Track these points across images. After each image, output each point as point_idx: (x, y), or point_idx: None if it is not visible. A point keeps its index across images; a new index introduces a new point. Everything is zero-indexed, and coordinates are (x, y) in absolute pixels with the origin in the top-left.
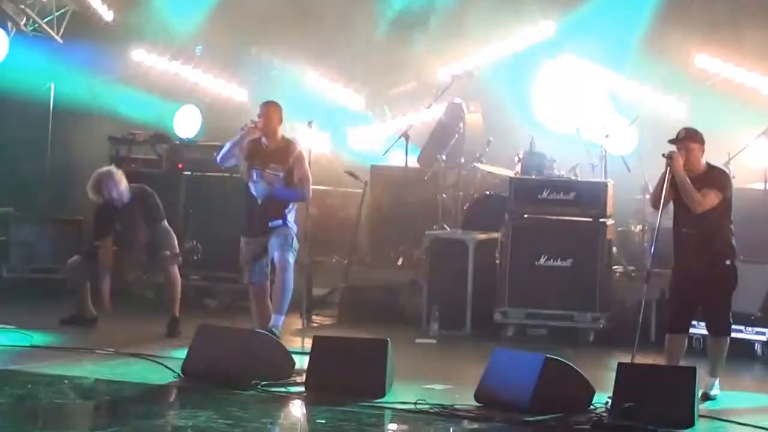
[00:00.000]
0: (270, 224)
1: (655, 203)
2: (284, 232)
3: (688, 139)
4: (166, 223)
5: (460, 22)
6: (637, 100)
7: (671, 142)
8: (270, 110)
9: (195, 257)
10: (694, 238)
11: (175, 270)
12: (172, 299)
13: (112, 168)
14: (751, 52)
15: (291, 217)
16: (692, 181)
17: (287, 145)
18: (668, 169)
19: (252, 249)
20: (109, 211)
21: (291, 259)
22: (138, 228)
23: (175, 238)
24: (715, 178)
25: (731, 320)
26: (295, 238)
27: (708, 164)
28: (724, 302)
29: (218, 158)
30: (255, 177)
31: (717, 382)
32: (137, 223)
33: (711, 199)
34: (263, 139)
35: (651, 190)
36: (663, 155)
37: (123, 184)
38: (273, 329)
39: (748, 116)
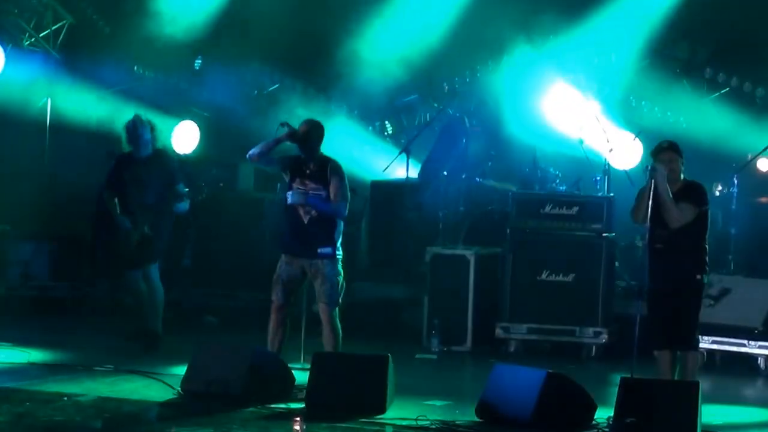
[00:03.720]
0: (320, 251)
1: (636, 217)
2: (333, 272)
3: (672, 149)
4: (181, 186)
5: (463, 35)
6: (641, 112)
7: (655, 152)
8: (309, 128)
9: (201, 197)
10: (668, 254)
11: (156, 277)
12: (154, 310)
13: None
14: (760, 63)
15: (340, 241)
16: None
17: (326, 162)
18: (652, 183)
19: (291, 270)
20: (124, 163)
21: (337, 313)
22: (149, 185)
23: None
24: (693, 192)
25: (698, 335)
26: (341, 278)
27: (685, 179)
28: (693, 317)
29: (249, 154)
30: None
31: None
32: (151, 180)
33: (688, 213)
34: (302, 157)
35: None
36: (646, 168)
37: (153, 135)
38: None
39: (755, 129)
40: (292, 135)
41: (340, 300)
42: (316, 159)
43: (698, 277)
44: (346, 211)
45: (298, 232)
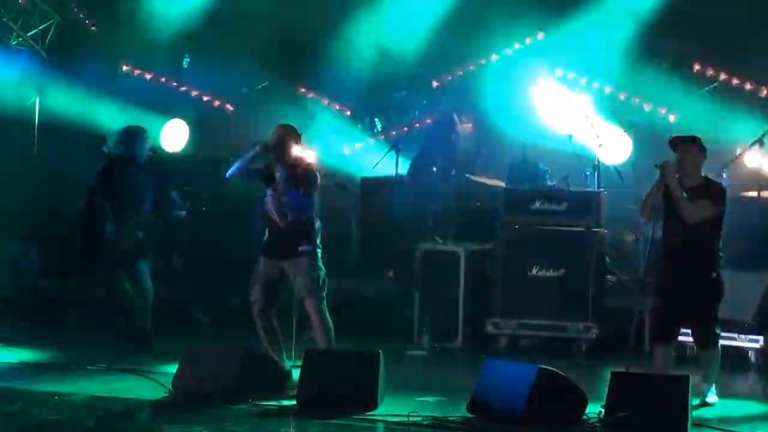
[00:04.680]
0: (300, 249)
1: (643, 213)
2: (312, 266)
3: (690, 140)
4: (174, 193)
5: (453, 31)
6: (630, 108)
7: (672, 141)
8: (282, 133)
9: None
10: (683, 250)
11: (147, 275)
12: (145, 309)
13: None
14: (748, 58)
15: (319, 239)
16: (689, 192)
17: (298, 167)
18: (662, 178)
19: (269, 271)
20: (117, 168)
21: (324, 306)
22: (145, 191)
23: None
24: (712, 190)
25: (718, 332)
26: (323, 272)
27: (706, 177)
28: (711, 315)
29: (227, 175)
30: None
31: (713, 388)
32: (146, 186)
33: (705, 209)
34: (279, 165)
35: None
36: (656, 166)
37: (148, 145)
38: None
39: (743, 124)
40: (266, 147)
41: (324, 294)
42: (291, 164)
43: (713, 275)
44: (313, 204)
45: (275, 235)
